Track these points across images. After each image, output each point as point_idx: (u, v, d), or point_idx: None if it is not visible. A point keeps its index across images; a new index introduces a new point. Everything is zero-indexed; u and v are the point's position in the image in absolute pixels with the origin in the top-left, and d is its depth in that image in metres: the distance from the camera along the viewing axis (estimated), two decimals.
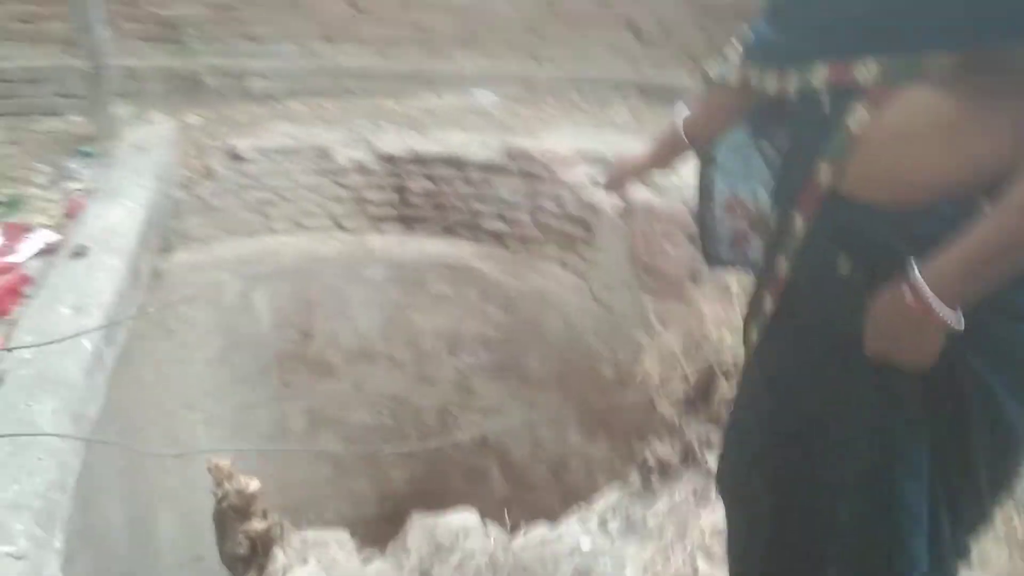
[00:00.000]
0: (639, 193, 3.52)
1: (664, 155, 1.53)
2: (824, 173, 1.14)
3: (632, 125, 4.20)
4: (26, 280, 2.65)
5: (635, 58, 4.30)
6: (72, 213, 3.17)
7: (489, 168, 3.99)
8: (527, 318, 4.04)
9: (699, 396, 2.25)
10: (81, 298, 2.49)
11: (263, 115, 4.31)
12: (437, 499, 4.52)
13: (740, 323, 1.39)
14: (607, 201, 3.62)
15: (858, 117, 1.10)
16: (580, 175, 3.77)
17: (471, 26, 4.64)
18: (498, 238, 4.05)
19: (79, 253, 2.70)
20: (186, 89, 4.36)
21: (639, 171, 1.57)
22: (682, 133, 1.46)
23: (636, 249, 3.45)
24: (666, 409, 2.30)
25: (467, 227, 4.09)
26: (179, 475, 4.16)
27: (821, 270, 1.16)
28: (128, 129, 3.87)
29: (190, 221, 3.84)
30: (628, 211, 3.51)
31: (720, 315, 2.62)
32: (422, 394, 4.39)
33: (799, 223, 1.19)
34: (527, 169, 3.91)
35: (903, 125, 1.06)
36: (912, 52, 1.05)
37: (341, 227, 4.13)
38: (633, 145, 3.93)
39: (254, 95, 4.42)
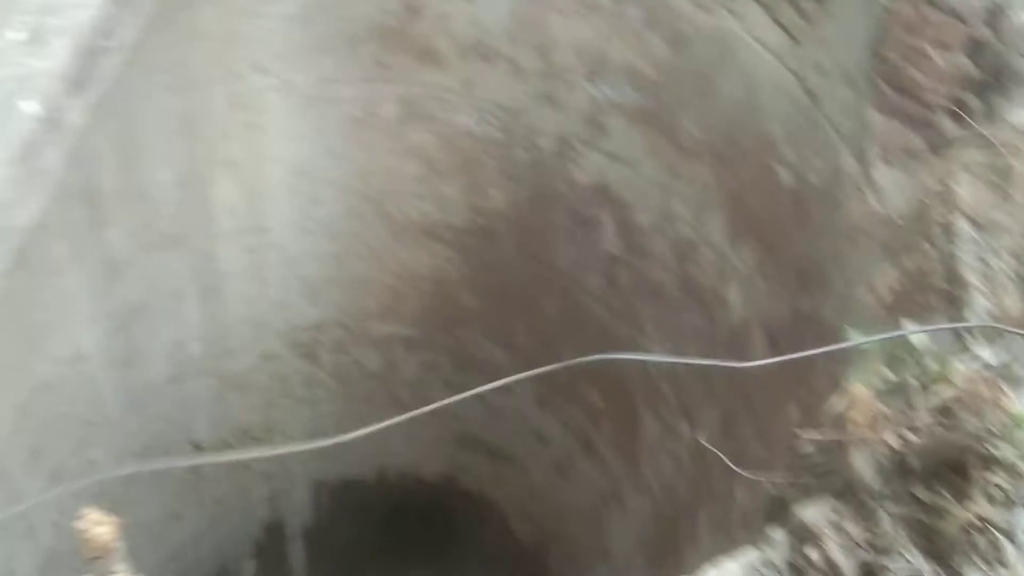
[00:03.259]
0: None
1: None
2: None
3: None
4: None
5: None
6: None
7: None
8: (698, 66, 2.97)
9: (929, 468, 1.34)
10: None
11: None
12: (537, 236, 3.87)
13: None
14: None
15: None
16: None
17: None
18: None
19: None
20: None
21: None
22: None
23: (889, 38, 2.29)
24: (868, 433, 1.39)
25: None
26: (243, 142, 3.58)
27: None
28: None
29: None
30: None
31: None
32: (542, 114, 3.48)
33: None
34: None
35: None
36: None
37: None
38: None
39: None
